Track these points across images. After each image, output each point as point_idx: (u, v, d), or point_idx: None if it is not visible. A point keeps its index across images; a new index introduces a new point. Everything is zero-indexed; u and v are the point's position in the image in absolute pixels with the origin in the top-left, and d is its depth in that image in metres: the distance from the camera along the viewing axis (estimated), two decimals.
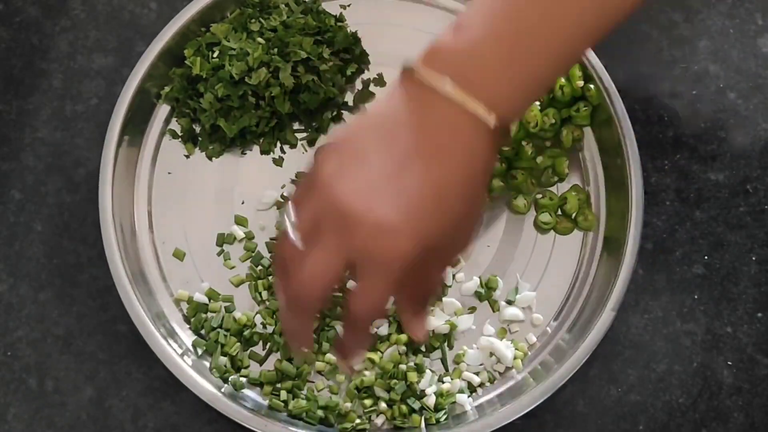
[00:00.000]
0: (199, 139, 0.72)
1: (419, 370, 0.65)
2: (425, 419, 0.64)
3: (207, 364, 0.66)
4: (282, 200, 0.70)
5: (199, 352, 0.66)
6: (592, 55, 0.69)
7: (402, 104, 0.49)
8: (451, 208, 0.50)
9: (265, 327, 0.67)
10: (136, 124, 0.70)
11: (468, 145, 0.49)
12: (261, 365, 0.66)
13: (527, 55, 0.49)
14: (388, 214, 0.47)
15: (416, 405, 0.64)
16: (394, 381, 0.65)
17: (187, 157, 0.71)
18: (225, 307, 0.68)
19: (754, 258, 0.70)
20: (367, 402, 0.65)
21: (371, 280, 0.49)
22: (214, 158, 0.71)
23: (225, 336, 0.66)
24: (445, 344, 0.67)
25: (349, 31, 0.73)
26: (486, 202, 0.57)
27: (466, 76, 0.48)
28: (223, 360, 0.66)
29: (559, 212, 0.70)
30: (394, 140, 0.49)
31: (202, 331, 0.67)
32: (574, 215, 0.70)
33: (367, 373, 0.65)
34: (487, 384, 0.66)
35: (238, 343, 0.66)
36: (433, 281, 0.57)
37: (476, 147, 0.49)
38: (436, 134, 0.49)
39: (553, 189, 0.71)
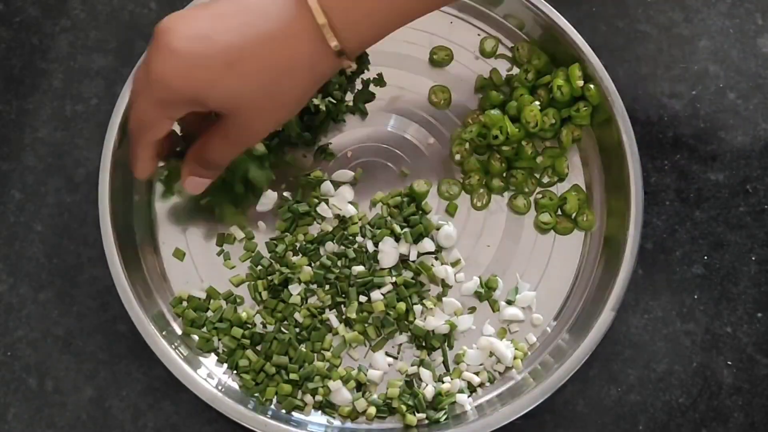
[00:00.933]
0: None
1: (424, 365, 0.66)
2: (427, 418, 0.65)
3: (205, 362, 0.66)
4: (282, 200, 0.70)
5: (200, 350, 0.67)
6: (592, 55, 0.69)
7: None
8: (242, 78, 0.52)
9: (265, 327, 0.67)
10: None
11: (296, 43, 0.53)
12: (260, 364, 0.66)
13: None
14: (181, 40, 0.52)
15: (411, 402, 0.65)
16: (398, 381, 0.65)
17: None
18: (229, 300, 0.68)
19: (754, 258, 0.70)
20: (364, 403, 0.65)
21: (141, 96, 0.55)
22: None
23: (226, 333, 0.66)
24: (445, 344, 0.67)
25: None
26: (288, 114, 0.57)
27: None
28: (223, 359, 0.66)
29: (559, 212, 0.70)
30: (246, 2, 0.53)
31: (203, 330, 0.67)
32: (574, 215, 0.70)
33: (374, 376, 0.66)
34: (487, 384, 0.66)
35: (246, 342, 0.66)
36: (218, 153, 0.58)
37: (303, 51, 0.53)
38: (275, 16, 0.52)
39: (553, 189, 0.71)
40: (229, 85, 0.52)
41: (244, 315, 0.67)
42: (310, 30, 0.52)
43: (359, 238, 0.69)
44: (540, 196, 0.70)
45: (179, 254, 0.69)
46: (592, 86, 0.69)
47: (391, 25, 0.56)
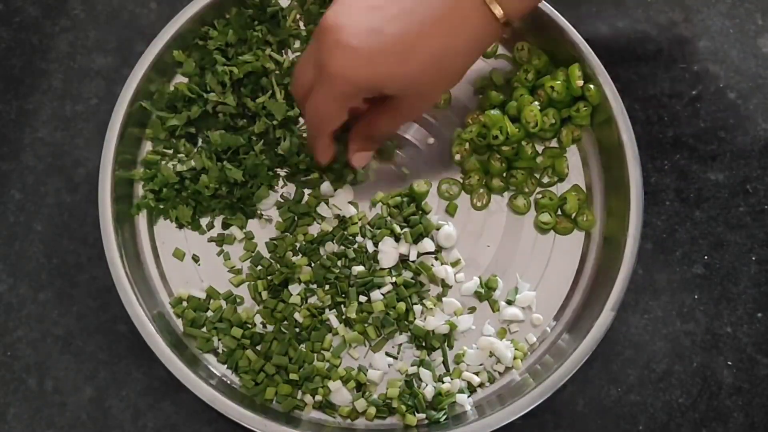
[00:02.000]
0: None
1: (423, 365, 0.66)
2: (427, 418, 0.65)
3: (205, 362, 0.66)
4: (282, 201, 0.70)
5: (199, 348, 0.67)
6: (591, 55, 0.69)
7: None
8: (419, 64, 0.56)
9: (265, 327, 0.67)
10: (136, 124, 0.70)
11: (463, 21, 0.56)
12: (260, 365, 0.66)
13: None
14: (353, 36, 0.55)
15: (411, 402, 0.65)
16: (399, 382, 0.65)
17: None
18: (229, 300, 0.68)
19: (754, 258, 0.70)
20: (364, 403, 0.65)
21: (319, 91, 0.58)
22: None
23: (226, 333, 0.66)
24: (445, 344, 0.67)
25: None
26: (454, 84, 0.61)
27: None
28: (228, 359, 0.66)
29: (559, 212, 0.70)
30: None
31: (203, 330, 0.67)
32: (573, 215, 0.70)
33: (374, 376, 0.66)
34: (487, 384, 0.66)
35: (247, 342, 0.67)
36: (384, 127, 0.63)
37: (470, 26, 0.57)
38: (441, 1, 0.56)
39: (553, 189, 0.71)
40: (406, 72, 0.56)
41: (244, 315, 0.67)
42: (475, 5, 0.56)
43: (359, 238, 0.69)
44: (540, 196, 0.70)
45: (179, 254, 0.69)
46: (592, 86, 0.69)
47: None
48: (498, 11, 0.56)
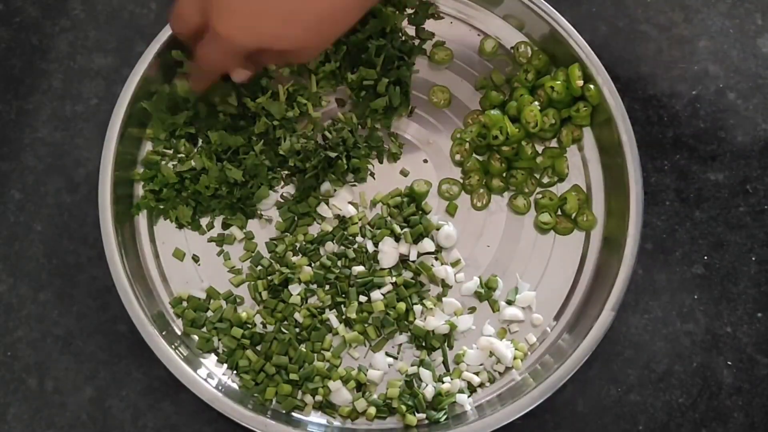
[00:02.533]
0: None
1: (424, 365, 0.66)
2: (427, 418, 0.65)
3: (205, 362, 0.66)
4: (282, 201, 0.70)
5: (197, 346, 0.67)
6: (592, 55, 0.69)
7: None
8: (302, 26, 0.58)
9: (265, 327, 0.67)
10: (136, 124, 0.70)
11: None
12: (260, 365, 0.66)
13: None
14: (238, 1, 0.57)
15: (411, 402, 0.65)
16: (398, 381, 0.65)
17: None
18: (229, 300, 0.68)
19: (754, 258, 0.70)
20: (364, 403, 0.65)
21: (210, 44, 0.60)
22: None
23: (226, 333, 0.67)
24: (445, 344, 0.67)
25: None
26: (334, 39, 0.62)
27: None
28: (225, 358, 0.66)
29: (559, 212, 0.70)
30: None
31: (203, 330, 0.67)
32: (574, 215, 0.70)
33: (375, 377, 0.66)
34: (487, 384, 0.66)
35: (246, 343, 0.67)
36: (267, 62, 0.66)
37: None
38: None
39: (553, 189, 0.71)
40: (290, 34, 0.58)
41: (244, 315, 0.67)
42: None
43: (359, 238, 0.69)
44: (540, 196, 0.70)
45: (179, 254, 0.69)
46: (592, 86, 0.69)
47: None
48: None
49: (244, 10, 0.57)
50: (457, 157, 0.71)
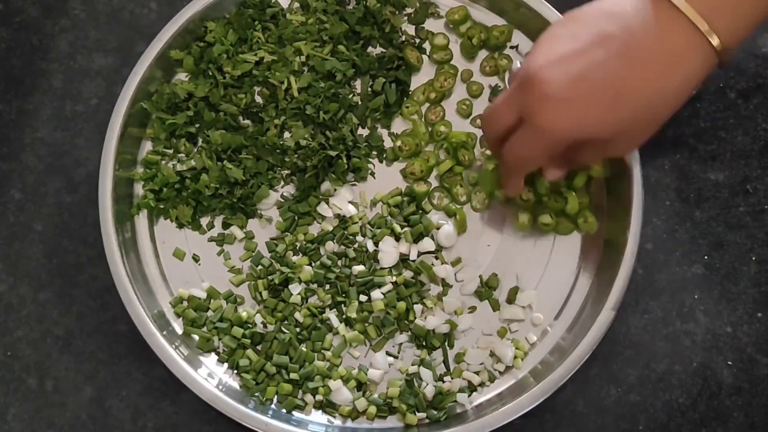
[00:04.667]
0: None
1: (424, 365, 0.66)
2: (427, 417, 0.65)
3: (205, 362, 0.66)
4: (282, 201, 0.70)
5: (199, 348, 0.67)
6: None
7: (630, 3, 0.52)
8: (630, 111, 0.52)
9: (265, 326, 0.67)
10: (136, 124, 0.70)
11: (678, 59, 0.52)
12: (260, 364, 0.66)
13: None
14: (560, 88, 0.52)
15: (411, 401, 0.65)
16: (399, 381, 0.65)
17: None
18: (229, 300, 0.68)
19: (754, 258, 0.70)
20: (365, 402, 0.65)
21: (525, 138, 0.56)
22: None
23: (227, 333, 0.67)
24: (446, 343, 0.67)
25: None
26: (664, 122, 0.55)
27: None
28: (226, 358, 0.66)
29: (560, 213, 0.70)
30: (604, 27, 0.52)
31: (203, 330, 0.67)
32: (574, 216, 0.70)
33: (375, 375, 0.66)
34: (488, 383, 0.66)
35: (245, 342, 0.67)
36: (585, 160, 0.61)
37: (685, 64, 0.52)
38: (649, 37, 0.51)
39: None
40: (616, 119, 0.53)
41: (244, 315, 0.67)
42: (690, 40, 0.51)
43: (359, 238, 0.69)
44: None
45: (179, 254, 0.69)
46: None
47: (762, 14, 0.53)
48: (716, 41, 0.51)
49: (568, 99, 0.52)
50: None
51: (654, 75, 0.52)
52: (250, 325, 0.67)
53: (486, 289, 0.68)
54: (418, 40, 0.73)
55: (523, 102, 0.54)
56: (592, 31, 0.53)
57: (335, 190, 0.70)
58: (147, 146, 0.72)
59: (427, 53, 0.73)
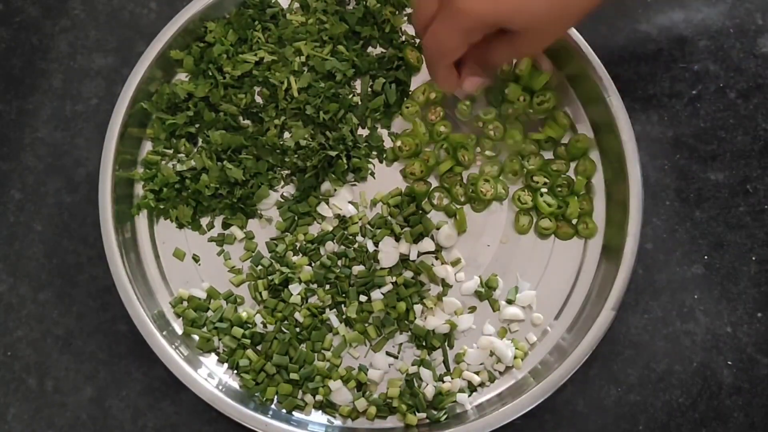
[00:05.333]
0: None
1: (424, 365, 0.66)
2: (427, 418, 0.65)
3: (205, 362, 0.66)
4: (282, 201, 0.70)
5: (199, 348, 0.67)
6: (592, 55, 0.69)
7: None
8: (545, 2, 0.54)
9: (265, 327, 0.67)
10: (136, 124, 0.70)
11: None
12: (260, 364, 0.66)
13: None
14: None
15: (411, 401, 0.65)
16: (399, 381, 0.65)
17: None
18: (229, 300, 0.68)
19: (754, 258, 0.70)
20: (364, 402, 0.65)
21: (444, 24, 0.56)
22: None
23: (227, 333, 0.67)
24: (446, 344, 0.67)
25: None
26: (574, 23, 0.58)
27: None
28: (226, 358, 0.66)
29: (560, 217, 0.70)
30: None
31: (203, 330, 0.67)
32: (574, 221, 0.69)
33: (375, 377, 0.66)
34: (488, 383, 0.66)
35: (245, 343, 0.67)
36: (499, 59, 0.61)
37: None
38: None
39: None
40: (531, 8, 0.55)
41: (244, 315, 0.67)
42: None
43: (359, 238, 0.69)
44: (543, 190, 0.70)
45: (179, 254, 0.69)
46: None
47: None
48: None
49: None
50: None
51: None
52: (250, 325, 0.67)
53: (486, 289, 0.68)
54: (418, 40, 0.73)
55: None
56: None
57: (335, 190, 0.70)
58: (147, 146, 0.72)
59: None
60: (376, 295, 0.67)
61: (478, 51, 0.60)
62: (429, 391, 0.65)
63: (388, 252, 0.68)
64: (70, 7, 0.76)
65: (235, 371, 0.66)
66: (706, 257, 0.70)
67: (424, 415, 0.65)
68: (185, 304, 0.68)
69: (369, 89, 0.72)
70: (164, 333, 0.65)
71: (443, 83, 0.62)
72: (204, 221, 0.70)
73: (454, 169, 0.70)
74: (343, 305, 0.68)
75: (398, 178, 0.71)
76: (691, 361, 0.68)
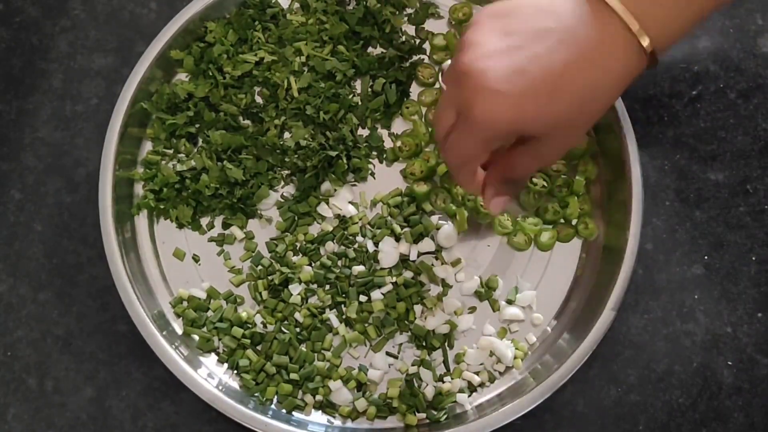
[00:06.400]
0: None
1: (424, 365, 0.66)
2: (427, 418, 0.65)
3: (205, 362, 0.66)
4: (282, 201, 0.70)
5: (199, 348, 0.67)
6: None
7: (563, 1, 0.53)
8: (565, 104, 0.53)
9: (265, 327, 0.67)
10: (136, 124, 0.70)
11: (610, 56, 0.52)
12: (260, 364, 0.66)
13: None
14: (498, 80, 0.52)
15: (411, 402, 0.65)
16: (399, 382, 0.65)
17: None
18: (229, 300, 0.68)
19: (754, 258, 0.70)
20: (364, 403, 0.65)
21: (462, 134, 0.55)
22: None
23: (227, 333, 0.67)
24: (446, 344, 0.67)
25: None
26: (596, 120, 0.56)
27: None
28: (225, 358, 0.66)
29: (561, 220, 0.70)
30: (540, 23, 0.52)
31: (203, 330, 0.67)
32: (574, 222, 0.69)
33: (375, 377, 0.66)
34: (487, 384, 0.66)
35: (245, 344, 0.67)
36: (523, 170, 0.60)
37: (617, 61, 0.52)
38: (584, 34, 0.52)
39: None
40: (552, 113, 0.53)
41: (244, 315, 0.67)
42: (622, 38, 0.52)
43: (359, 238, 0.69)
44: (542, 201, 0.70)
45: (179, 254, 0.69)
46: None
47: (696, 19, 0.54)
48: (646, 41, 0.52)
49: (504, 91, 0.52)
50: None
51: (587, 69, 0.52)
52: (250, 325, 0.67)
53: (486, 290, 0.68)
54: (418, 41, 0.73)
55: (459, 96, 0.54)
56: (528, 26, 0.53)
57: (335, 190, 0.70)
58: (147, 146, 0.72)
59: (427, 53, 0.73)
60: (376, 295, 0.67)
61: (503, 159, 0.59)
62: (429, 391, 0.65)
63: (388, 252, 0.68)
64: (70, 7, 0.76)
65: (235, 371, 0.66)
66: (706, 257, 0.70)
67: (424, 415, 0.65)
68: (185, 304, 0.68)
69: (369, 89, 0.72)
70: (164, 333, 0.65)
71: (467, 187, 0.61)
72: (204, 221, 0.70)
73: None
74: (343, 305, 0.68)
75: (398, 178, 0.71)
76: (691, 361, 0.68)
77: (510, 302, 0.68)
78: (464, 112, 0.54)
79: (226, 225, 0.70)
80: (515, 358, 0.66)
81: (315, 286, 0.68)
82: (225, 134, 0.70)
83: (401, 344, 0.67)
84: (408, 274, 0.68)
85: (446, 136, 0.57)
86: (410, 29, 0.74)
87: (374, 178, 0.71)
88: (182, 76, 0.73)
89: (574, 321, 0.67)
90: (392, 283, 0.67)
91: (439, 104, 0.57)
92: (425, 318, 0.67)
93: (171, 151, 0.71)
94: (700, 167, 0.72)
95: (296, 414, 0.65)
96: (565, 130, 0.55)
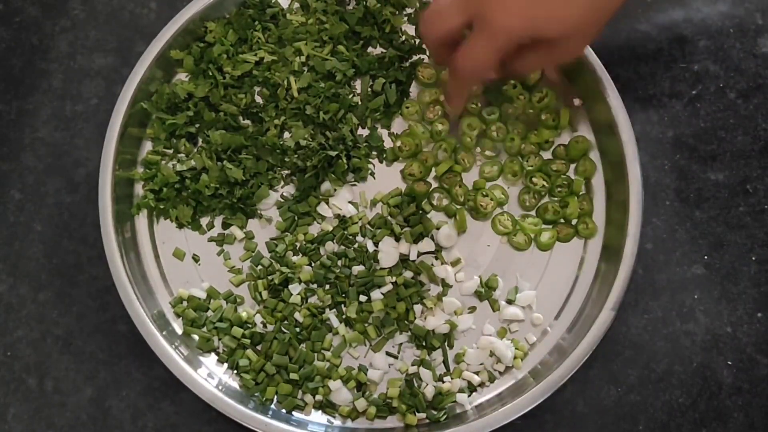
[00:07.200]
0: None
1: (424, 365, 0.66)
2: (427, 418, 0.65)
3: (205, 362, 0.66)
4: (282, 201, 0.70)
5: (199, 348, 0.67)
6: (592, 55, 0.69)
7: None
8: (578, 8, 0.54)
9: (265, 327, 0.67)
10: (136, 124, 0.70)
11: None
12: (260, 364, 0.66)
13: None
14: None
15: (411, 401, 0.65)
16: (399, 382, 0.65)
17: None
18: (229, 300, 0.68)
19: (754, 258, 0.70)
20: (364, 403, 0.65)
21: (478, 42, 0.56)
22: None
23: (226, 333, 0.67)
24: (446, 344, 0.67)
25: None
26: (605, 24, 0.58)
27: None
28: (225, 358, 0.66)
29: (561, 220, 0.70)
30: None
31: (203, 330, 0.67)
32: (574, 222, 0.69)
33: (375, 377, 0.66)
34: (487, 383, 0.66)
35: (245, 343, 0.67)
36: (530, 66, 0.61)
37: None
38: None
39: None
40: (566, 15, 0.55)
41: (244, 315, 0.67)
42: None
43: (359, 238, 0.69)
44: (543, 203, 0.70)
45: (179, 254, 0.69)
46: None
47: None
48: None
49: None
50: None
51: None
52: (250, 325, 0.67)
53: (486, 290, 0.68)
54: (418, 41, 0.73)
55: (476, 3, 0.55)
56: None
57: (335, 190, 0.70)
58: (147, 146, 0.72)
59: (427, 53, 0.73)
60: (376, 295, 0.67)
61: (511, 61, 0.60)
62: (429, 391, 0.65)
63: (388, 252, 0.68)
64: (70, 7, 0.76)
65: (235, 371, 0.66)
66: (706, 257, 0.70)
67: (423, 415, 0.65)
68: (185, 304, 0.68)
69: (369, 89, 0.72)
70: (164, 333, 0.65)
71: (458, 102, 0.62)
72: (204, 221, 0.70)
73: (454, 169, 0.70)
74: (343, 305, 0.68)
75: (398, 178, 0.71)
76: (691, 361, 0.68)
77: (510, 302, 0.68)
78: (481, 19, 0.55)
79: (226, 225, 0.70)
80: (515, 358, 0.66)
81: (315, 286, 0.68)
82: (225, 134, 0.70)
83: (401, 344, 0.67)
84: (408, 274, 0.68)
85: (441, 40, 0.57)
86: (410, 29, 0.74)
87: (374, 178, 0.71)
88: (182, 76, 0.73)
89: (574, 321, 0.67)
90: (392, 283, 0.67)
91: (445, 3, 0.57)
92: (425, 318, 0.67)
93: (171, 151, 0.71)
94: (700, 167, 0.72)
95: (296, 414, 0.65)
96: (578, 31, 0.56)
